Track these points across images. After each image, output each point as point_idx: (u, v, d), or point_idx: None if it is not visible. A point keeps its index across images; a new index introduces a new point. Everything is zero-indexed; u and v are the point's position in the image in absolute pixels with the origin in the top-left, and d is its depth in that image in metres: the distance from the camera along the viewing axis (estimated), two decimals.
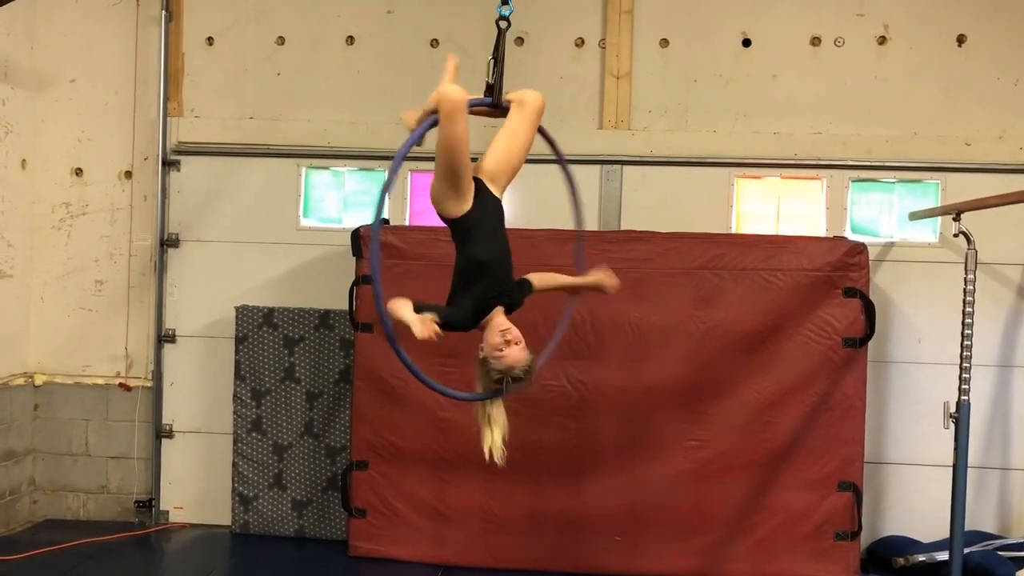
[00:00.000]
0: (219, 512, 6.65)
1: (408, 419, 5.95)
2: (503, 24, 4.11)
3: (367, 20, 6.71)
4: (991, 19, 6.42)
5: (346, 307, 6.10)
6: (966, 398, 5.38)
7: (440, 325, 3.74)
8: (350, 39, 6.74)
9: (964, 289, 5.42)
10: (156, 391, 6.78)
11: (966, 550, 5.59)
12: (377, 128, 6.54)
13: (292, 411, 6.49)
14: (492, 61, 4.06)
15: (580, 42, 6.62)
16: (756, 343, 5.84)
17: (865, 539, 6.19)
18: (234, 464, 6.53)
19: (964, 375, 5.39)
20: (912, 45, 6.49)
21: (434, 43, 6.62)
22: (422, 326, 3.64)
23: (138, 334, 6.83)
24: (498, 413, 3.94)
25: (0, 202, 6.45)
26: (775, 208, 6.62)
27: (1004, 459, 6.42)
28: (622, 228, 6.43)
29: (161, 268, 6.77)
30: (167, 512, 6.80)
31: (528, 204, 6.33)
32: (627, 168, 6.56)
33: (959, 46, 6.45)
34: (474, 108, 4.04)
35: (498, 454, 3.89)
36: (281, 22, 6.77)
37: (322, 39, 6.75)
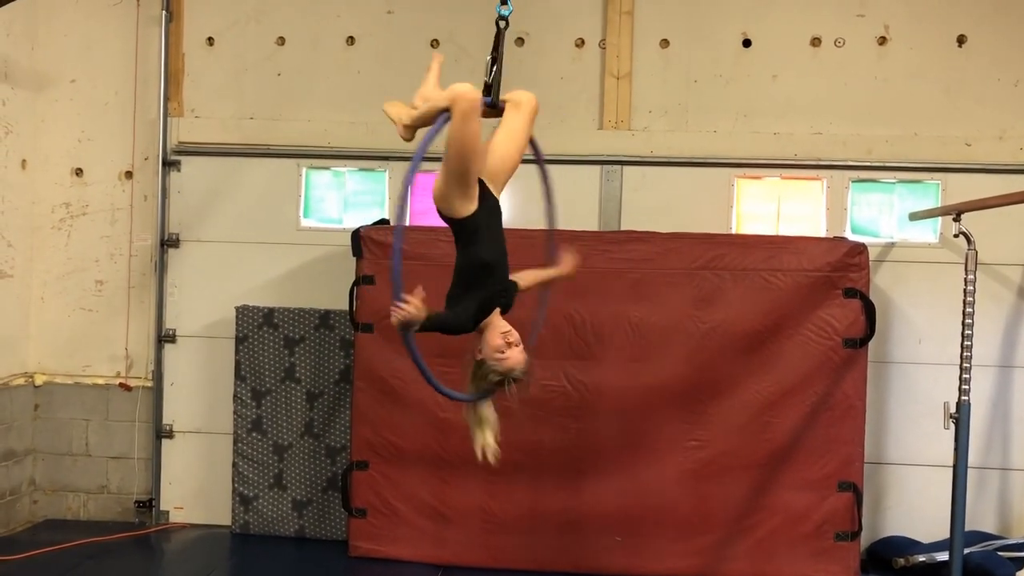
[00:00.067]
0: (219, 512, 6.65)
1: (408, 419, 5.95)
2: (501, 24, 4.11)
3: (367, 20, 6.72)
4: (991, 19, 6.42)
5: (346, 307, 6.11)
6: (966, 398, 5.37)
7: (440, 328, 3.73)
8: (350, 39, 6.74)
9: (964, 289, 5.41)
10: (156, 391, 6.78)
11: (966, 550, 5.59)
12: (377, 128, 6.51)
13: (292, 411, 6.49)
14: (491, 61, 4.07)
15: (580, 42, 6.62)
16: (756, 343, 5.83)
17: (865, 539, 6.19)
18: (234, 464, 6.53)
19: (964, 375, 5.38)
20: (912, 45, 6.49)
21: (434, 43, 6.61)
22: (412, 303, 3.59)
23: (138, 334, 6.83)
24: (490, 413, 3.95)
25: (0, 202, 6.45)
26: (775, 208, 6.62)
27: (1004, 459, 6.42)
28: (622, 228, 6.43)
29: (161, 268, 6.77)
30: (167, 512, 6.80)
31: (528, 204, 6.32)
32: (627, 168, 6.56)
33: (959, 46, 6.45)
34: None
35: (491, 453, 3.89)
36: (281, 22, 6.77)
37: (322, 39, 6.75)
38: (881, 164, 6.49)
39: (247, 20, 6.79)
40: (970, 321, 5.39)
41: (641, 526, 5.87)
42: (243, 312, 6.51)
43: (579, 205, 6.47)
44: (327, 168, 6.82)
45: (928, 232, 6.52)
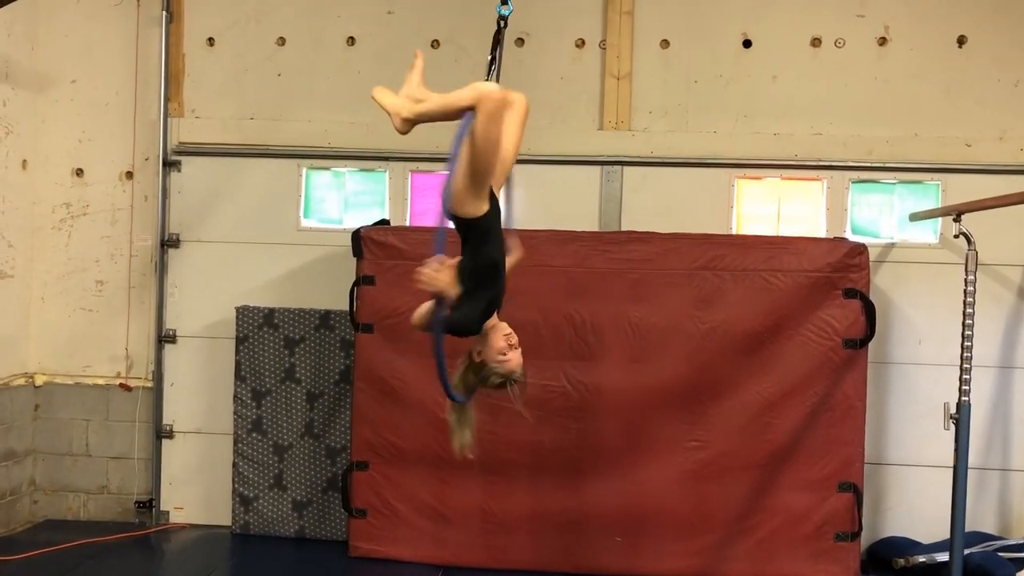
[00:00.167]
0: (219, 512, 6.65)
1: (408, 419, 5.94)
2: (501, 24, 4.11)
3: (367, 20, 6.72)
4: (992, 20, 6.42)
5: (346, 308, 6.10)
6: (966, 399, 5.37)
7: (448, 328, 3.72)
8: (350, 39, 6.74)
9: (964, 290, 5.41)
10: (156, 391, 6.78)
11: (966, 551, 5.58)
12: (378, 128, 6.50)
13: (292, 411, 6.49)
14: (490, 60, 4.07)
15: (580, 43, 6.62)
16: (756, 344, 5.83)
17: (865, 540, 6.18)
18: (234, 464, 6.53)
19: (964, 376, 5.37)
20: (912, 46, 6.49)
21: (434, 44, 6.61)
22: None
23: (138, 334, 6.83)
24: (472, 413, 3.97)
25: (1, 202, 6.46)
26: (775, 209, 6.62)
27: (1004, 460, 6.42)
28: (622, 229, 6.43)
29: (162, 268, 6.77)
30: (167, 512, 6.80)
31: (528, 204, 6.32)
32: (627, 169, 6.56)
33: (959, 47, 6.45)
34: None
35: (468, 450, 3.93)
36: (281, 23, 6.77)
37: (322, 39, 6.75)
38: (881, 165, 6.49)
39: (247, 20, 6.79)
40: (970, 322, 5.38)
41: (641, 526, 5.87)
42: (243, 312, 6.51)
43: (579, 205, 6.49)
44: (327, 168, 6.82)
45: (928, 233, 6.52)
